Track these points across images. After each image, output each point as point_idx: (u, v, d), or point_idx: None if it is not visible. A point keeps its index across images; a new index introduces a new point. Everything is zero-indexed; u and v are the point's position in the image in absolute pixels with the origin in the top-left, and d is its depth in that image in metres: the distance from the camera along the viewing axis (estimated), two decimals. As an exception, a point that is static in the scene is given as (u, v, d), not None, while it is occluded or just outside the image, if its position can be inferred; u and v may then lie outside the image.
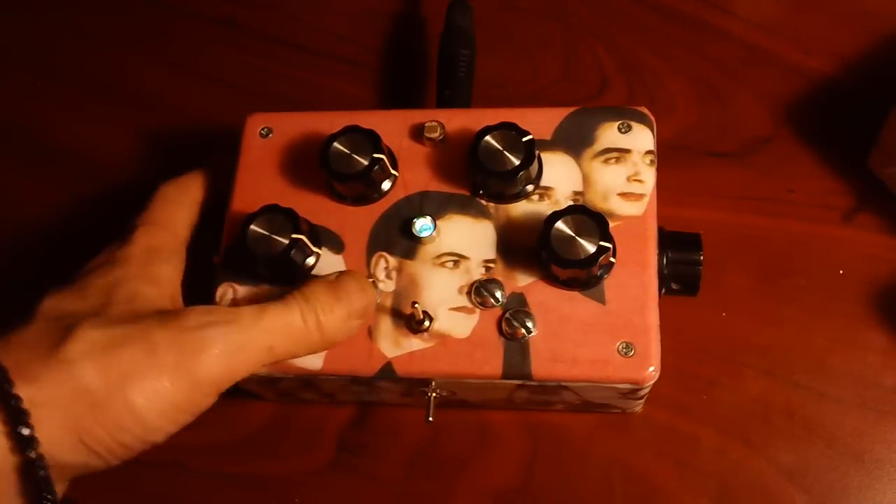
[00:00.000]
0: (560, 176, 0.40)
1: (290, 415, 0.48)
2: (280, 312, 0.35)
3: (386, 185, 0.41)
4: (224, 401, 0.48)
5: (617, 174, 0.40)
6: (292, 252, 0.38)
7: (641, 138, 0.41)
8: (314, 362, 0.38)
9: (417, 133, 0.42)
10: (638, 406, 0.43)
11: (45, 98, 0.58)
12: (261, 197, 0.40)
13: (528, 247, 0.39)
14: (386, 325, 0.39)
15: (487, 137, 0.39)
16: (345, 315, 0.37)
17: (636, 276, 0.38)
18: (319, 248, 0.40)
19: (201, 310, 0.35)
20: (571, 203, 0.40)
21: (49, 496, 0.31)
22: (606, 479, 0.45)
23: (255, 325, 0.35)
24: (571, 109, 0.42)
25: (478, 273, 0.39)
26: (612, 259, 0.38)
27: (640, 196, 0.40)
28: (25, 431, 0.30)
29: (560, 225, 0.36)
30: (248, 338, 0.35)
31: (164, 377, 0.33)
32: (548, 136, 0.41)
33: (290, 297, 0.36)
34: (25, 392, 0.31)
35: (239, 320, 0.35)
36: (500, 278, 0.39)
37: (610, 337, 0.37)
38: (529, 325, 0.38)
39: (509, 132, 0.39)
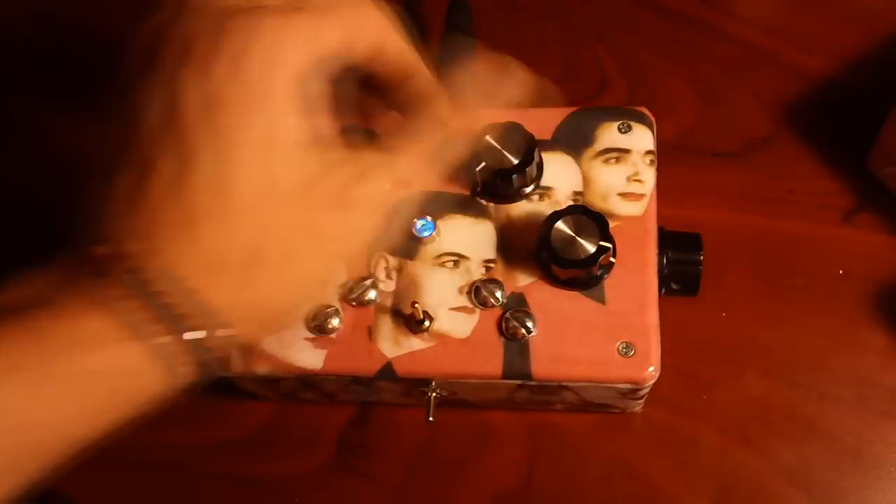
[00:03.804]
0: (560, 176, 0.40)
1: (290, 415, 0.48)
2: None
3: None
4: (224, 401, 0.48)
5: (617, 174, 0.40)
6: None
7: (641, 138, 0.41)
8: (314, 362, 0.38)
9: (417, 133, 0.42)
10: (638, 406, 0.43)
11: (45, 97, 0.58)
12: (261, 197, 0.40)
13: (528, 247, 0.39)
14: (386, 325, 0.39)
15: (487, 136, 0.39)
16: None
17: (636, 276, 0.38)
18: (319, 248, 0.40)
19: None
20: (571, 203, 0.40)
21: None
22: (606, 479, 0.45)
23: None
24: (571, 109, 0.42)
25: (478, 273, 0.39)
26: (612, 259, 0.38)
27: (640, 196, 0.40)
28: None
29: (560, 225, 0.36)
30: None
31: None
32: (548, 136, 0.41)
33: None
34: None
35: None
36: (500, 278, 0.39)
37: (610, 337, 0.37)
38: (529, 325, 0.38)
39: (510, 131, 0.39)
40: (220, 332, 0.28)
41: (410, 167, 0.33)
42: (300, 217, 0.29)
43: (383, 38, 0.33)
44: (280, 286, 0.30)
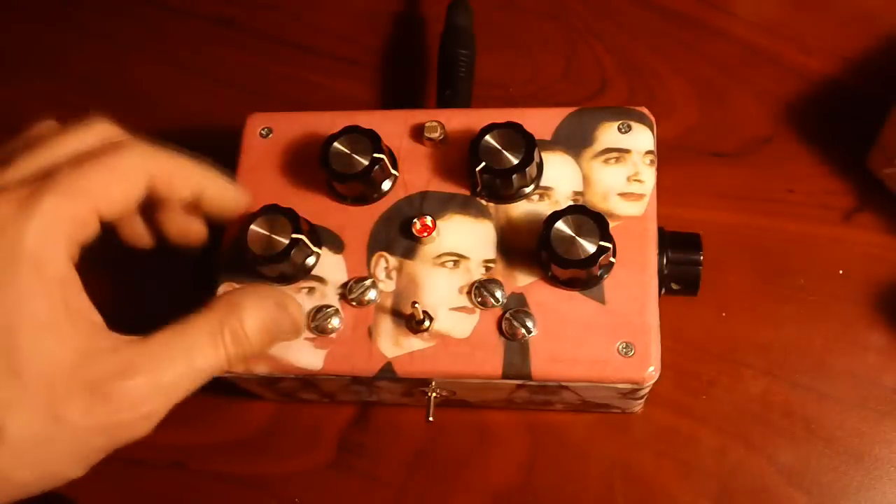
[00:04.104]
0: (560, 176, 0.40)
1: (290, 415, 0.48)
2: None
3: (386, 185, 0.41)
4: (224, 401, 0.48)
5: (617, 174, 0.40)
6: (292, 252, 0.38)
7: (641, 138, 0.41)
8: (314, 362, 0.38)
9: (417, 133, 0.42)
10: (638, 406, 0.43)
11: (46, 98, 0.58)
12: (261, 197, 0.40)
13: (528, 247, 0.39)
14: (386, 325, 0.39)
15: (487, 136, 0.39)
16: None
17: (636, 276, 0.38)
18: (319, 248, 0.40)
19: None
20: (571, 203, 0.40)
21: None
22: (606, 479, 0.45)
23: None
24: (571, 109, 0.42)
25: (478, 273, 0.39)
26: (612, 259, 0.38)
27: (640, 196, 0.40)
28: None
29: (560, 225, 0.36)
30: None
31: None
32: (548, 136, 0.41)
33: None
34: None
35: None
36: (500, 278, 0.39)
37: (610, 337, 0.37)
38: (529, 325, 0.38)
39: (510, 131, 0.39)
40: None
41: (175, 371, 0.31)
42: (43, 402, 0.28)
43: (156, 182, 0.33)
44: (19, 465, 0.28)
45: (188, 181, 0.35)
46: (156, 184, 0.33)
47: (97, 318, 0.31)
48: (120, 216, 0.33)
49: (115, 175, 0.32)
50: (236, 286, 0.40)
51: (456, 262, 0.39)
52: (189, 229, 0.38)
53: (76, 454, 0.30)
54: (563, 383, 0.38)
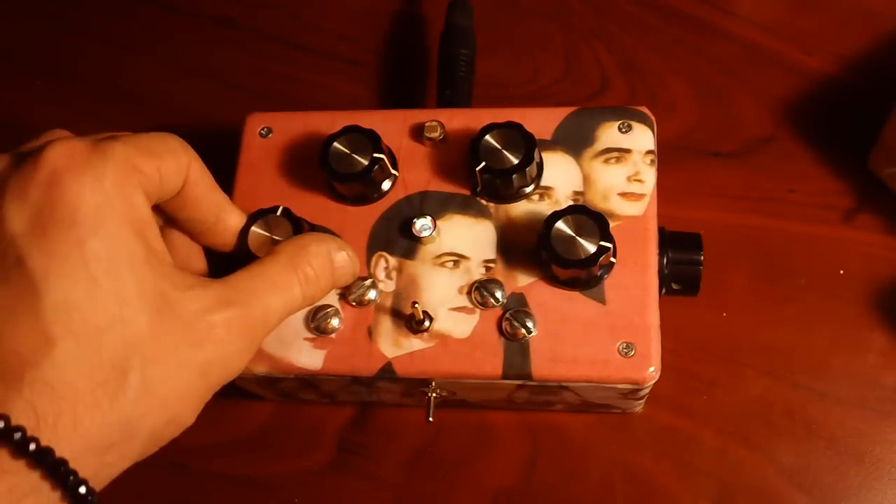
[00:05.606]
0: (560, 176, 0.40)
1: (290, 415, 0.48)
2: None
3: (386, 185, 0.41)
4: (224, 401, 0.48)
5: (617, 174, 0.40)
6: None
7: (642, 138, 0.41)
8: (314, 362, 0.38)
9: (417, 133, 0.42)
10: (638, 406, 0.43)
11: (45, 98, 0.58)
12: (261, 197, 0.40)
13: (528, 247, 0.39)
14: (386, 325, 0.39)
15: (487, 136, 0.39)
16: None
17: (636, 276, 0.38)
18: (319, 248, 0.40)
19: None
20: (572, 203, 0.40)
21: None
22: (606, 479, 0.45)
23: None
24: (571, 109, 0.42)
25: (478, 273, 0.39)
26: (612, 259, 0.38)
27: (640, 196, 0.40)
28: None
29: (560, 225, 0.36)
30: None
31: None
32: (548, 136, 0.41)
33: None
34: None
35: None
36: (500, 278, 0.39)
37: (610, 337, 0.37)
38: (529, 325, 0.38)
39: (510, 131, 0.39)
40: (90, 460, 0.28)
41: (262, 307, 0.32)
42: (160, 337, 0.29)
43: (189, 174, 0.34)
44: (151, 402, 0.29)
45: (212, 193, 0.36)
46: (189, 177, 0.34)
47: (171, 260, 0.31)
48: (172, 192, 0.33)
49: (166, 146, 0.33)
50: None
51: (456, 262, 0.39)
52: (190, 262, 0.37)
53: (193, 393, 0.30)
54: (564, 383, 0.38)
